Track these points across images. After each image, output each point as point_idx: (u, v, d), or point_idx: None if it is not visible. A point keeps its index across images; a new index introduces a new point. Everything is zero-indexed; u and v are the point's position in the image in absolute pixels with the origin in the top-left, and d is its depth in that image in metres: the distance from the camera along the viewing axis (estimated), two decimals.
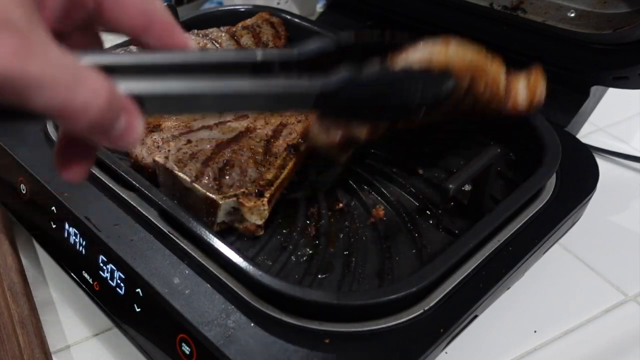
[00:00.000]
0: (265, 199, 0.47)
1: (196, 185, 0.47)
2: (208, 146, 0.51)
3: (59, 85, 0.22)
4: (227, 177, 0.49)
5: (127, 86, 0.25)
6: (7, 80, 0.21)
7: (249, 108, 0.35)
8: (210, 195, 0.46)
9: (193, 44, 0.30)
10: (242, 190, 0.47)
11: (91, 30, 0.28)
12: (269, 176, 0.49)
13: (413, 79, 0.38)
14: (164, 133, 0.53)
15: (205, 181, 0.48)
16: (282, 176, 0.50)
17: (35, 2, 0.23)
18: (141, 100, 0.26)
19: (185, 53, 0.29)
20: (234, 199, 0.47)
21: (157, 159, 0.50)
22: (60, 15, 0.25)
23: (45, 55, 0.22)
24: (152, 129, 0.55)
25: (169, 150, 0.51)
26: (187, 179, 0.48)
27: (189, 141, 0.52)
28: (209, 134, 0.53)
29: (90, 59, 0.26)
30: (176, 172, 0.48)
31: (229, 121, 0.55)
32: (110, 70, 0.25)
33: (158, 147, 0.52)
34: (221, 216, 0.47)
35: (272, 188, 0.48)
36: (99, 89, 0.24)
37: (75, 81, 0.23)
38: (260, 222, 0.47)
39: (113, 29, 0.28)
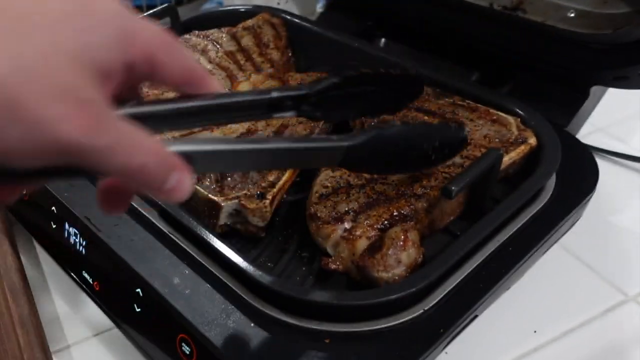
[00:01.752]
0: (267, 201, 0.47)
1: (197, 188, 0.47)
2: None
3: (120, 153, 0.26)
4: (228, 179, 0.49)
5: (177, 147, 0.29)
6: (78, 150, 0.24)
7: (285, 164, 0.41)
8: (212, 197, 0.46)
9: (220, 89, 0.34)
10: (244, 192, 0.47)
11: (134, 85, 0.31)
12: (271, 178, 0.49)
13: (431, 133, 0.42)
14: (164, 135, 0.53)
15: (207, 183, 0.48)
16: (284, 178, 0.50)
17: (102, 78, 0.26)
18: (190, 159, 0.29)
19: (214, 97, 0.33)
20: (236, 201, 0.47)
21: None
22: (120, 83, 0.28)
23: (109, 127, 0.25)
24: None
25: None
26: None
27: None
28: (210, 136, 0.53)
29: (134, 110, 0.29)
30: None
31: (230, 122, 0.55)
32: (152, 120, 0.29)
33: None
34: (223, 218, 0.47)
35: (274, 190, 0.48)
36: (152, 152, 0.27)
37: (133, 147, 0.26)
38: (262, 224, 0.47)
39: (157, 84, 0.32)
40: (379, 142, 0.39)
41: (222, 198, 0.46)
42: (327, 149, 0.37)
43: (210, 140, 0.33)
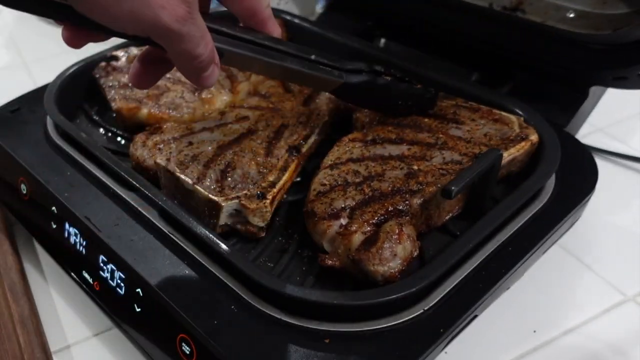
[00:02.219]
0: (268, 201, 0.47)
1: (198, 188, 0.47)
2: (209, 148, 0.51)
3: (192, 41, 0.34)
4: (229, 179, 0.49)
5: (216, 43, 0.38)
6: (165, 31, 0.33)
7: (291, 78, 0.49)
8: (212, 197, 0.46)
9: (278, 33, 0.43)
10: (244, 192, 0.47)
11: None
12: (271, 178, 0.49)
13: (405, 92, 0.53)
14: (165, 135, 0.53)
15: (207, 183, 0.48)
16: (284, 178, 0.50)
17: None
18: (220, 54, 0.39)
19: (267, 38, 0.43)
20: (236, 201, 0.47)
21: (158, 161, 0.50)
22: None
23: (195, 19, 0.34)
24: (153, 131, 0.55)
25: (170, 152, 0.50)
26: (189, 181, 0.48)
27: (190, 143, 0.52)
28: (210, 136, 0.53)
29: None
30: (178, 174, 0.48)
31: (230, 123, 0.55)
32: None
33: (159, 149, 0.52)
34: (223, 218, 0.47)
35: (274, 190, 0.48)
36: (210, 46, 0.36)
37: (200, 39, 0.35)
38: (262, 224, 0.47)
39: (226, 8, 0.41)
40: (367, 86, 0.50)
41: (223, 198, 0.46)
42: (327, 79, 0.48)
43: (239, 45, 0.41)
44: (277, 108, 0.58)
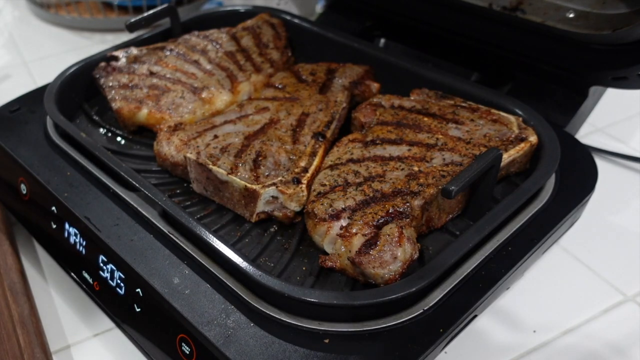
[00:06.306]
0: (304, 185, 0.48)
1: (234, 178, 0.48)
2: (236, 139, 0.52)
3: None
4: (262, 168, 0.50)
5: None
6: None
7: None
8: (250, 185, 0.47)
9: None
10: (279, 178, 0.49)
11: None
12: (302, 163, 0.50)
13: None
14: (188, 130, 0.54)
15: (242, 173, 0.49)
16: (315, 163, 0.51)
17: None
18: None
19: None
20: (273, 187, 0.47)
21: (188, 155, 0.50)
22: None
23: None
24: (175, 127, 0.55)
25: (198, 147, 0.51)
26: (223, 172, 0.48)
27: (216, 136, 0.53)
28: (233, 128, 0.54)
29: None
30: (210, 166, 0.49)
31: (250, 114, 0.56)
32: None
33: (186, 144, 0.52)
34: (261, 206, 0.48)
35: (308, 174, 0.49)
36: None
37: None
38: (298, 209, 0.48)
39: None
40: None
41: (260, 186, 0.47)
42: None
43: None
44: (294, 97, 0.60)
